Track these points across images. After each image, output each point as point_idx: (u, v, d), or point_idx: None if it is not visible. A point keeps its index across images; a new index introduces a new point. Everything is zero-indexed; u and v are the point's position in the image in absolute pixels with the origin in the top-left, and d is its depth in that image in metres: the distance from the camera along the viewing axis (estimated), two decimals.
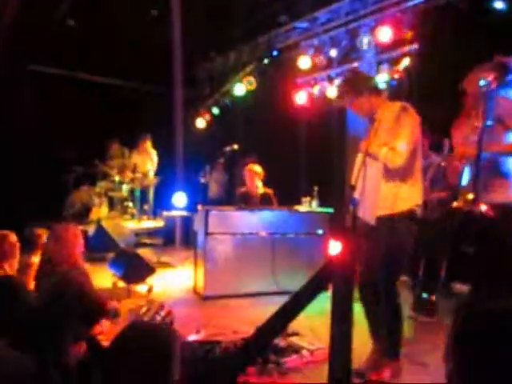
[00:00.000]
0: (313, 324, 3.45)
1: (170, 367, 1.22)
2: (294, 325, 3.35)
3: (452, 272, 4.41)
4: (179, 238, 7.28)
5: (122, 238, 6.20)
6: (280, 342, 3.13)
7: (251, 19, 7.56)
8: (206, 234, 4.71)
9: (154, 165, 8.74)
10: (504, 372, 1.04)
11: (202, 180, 6.59)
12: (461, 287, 4.56)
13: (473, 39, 4.50)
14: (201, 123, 8.82)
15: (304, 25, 6.96)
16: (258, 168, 5.60)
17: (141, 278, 4.70)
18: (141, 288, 4.72)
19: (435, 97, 4.74)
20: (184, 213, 7.15)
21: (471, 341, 1.10)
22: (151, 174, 8.66)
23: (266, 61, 7.41)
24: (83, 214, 7.95)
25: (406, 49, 5.69)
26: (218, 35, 7.92)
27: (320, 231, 5.13)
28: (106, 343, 2.63)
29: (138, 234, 7.44)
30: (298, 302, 1.23)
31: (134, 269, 4.68)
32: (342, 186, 3.44)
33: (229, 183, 8.35)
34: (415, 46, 5.56)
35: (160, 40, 7.57)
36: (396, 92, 3.33)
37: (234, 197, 5.68)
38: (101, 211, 7.99)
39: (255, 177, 5.53)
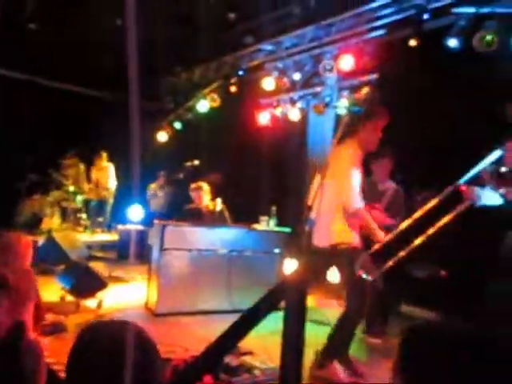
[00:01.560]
0: (266, 343, 3.43)
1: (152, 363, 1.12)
2: (247, 344, 3.34)
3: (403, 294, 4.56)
4: (133, 252, 7.11)
5: (73, 251, 6.00)
6: (232, 360, 3.10)
7: (218, 37, 7.65)
8: (162, 249, 4.63)
9: (113, 178, 8.64)
10: None
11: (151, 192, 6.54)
12: (410, 310, 4.70)
13: (426, 74, 4.75)
14: (162, 137, 8.76)
15: (269, 47, 7.11)
16: (205, 185, 5.65)
17: (91, 292, 4.54)
18: (90, 303, 4.56)
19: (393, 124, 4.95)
20: (139, 226, 7.01)
21: (414, 365, 1.13)
22: (111, 186, 8.51)
23: (231, 80, 7.48)
24: (34, 224, 7.65)
25: (367, 78, 5.93)
26: (185, 50, 7.95)
27: (277, 250, 5.17)
28: (51, 361, 2.52)
29: (90, 246, 7.22)
30: (249, 320, 1.23)
31: (84, 282, 4.52)
32: (299, 207, 3.49)
33: (174, 198, 8.25)
34: (375, 76, 5.81)
35: (124, 50, 7.49)
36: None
37: (180, 212, 5.63)
38: (52, 222, 7.72)
39: (203, 194, 5.56)
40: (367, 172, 3.94)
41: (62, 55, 7.79)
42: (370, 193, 3.81)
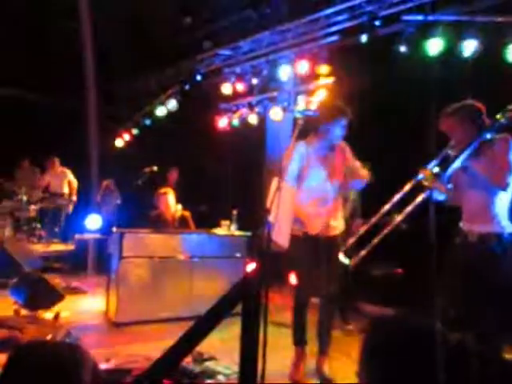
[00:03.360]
0: (230, 348, 3.42)
1: None
2: (211, 349, 3.32)
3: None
4: (91, 262, 6.92)
5: (27, 262, 5.76)
6: (195, 366, 3.07)
7: (175, 42, 7.60)
8: (121, 257, 4.54)
9: (72, 185, 8.42)
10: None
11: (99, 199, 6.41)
12: (370, 308, 4.82)
13: (378, 78, 4.92)
14: (119, 143, 8.60)
15: (227, 52, 7.13)
16: (169, 190, 5.58)
17: (47, 305, 4.38)
18: (47, 315, 4.40)
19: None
20: (97, 235, 6.84)
21: (380, 355, 1.16)
22: (65, 193, 8.27)
23: (188, 85, 7.45)
24: None
25: (322, 82, 6.06)
26: (142, 55, 7.84)
27: (238, 254, 5.17)
28: None
29: (46, 257, 6.97)
30: (207, 323, 1.23)
31: (39, 295, 4.36)
32: (259, 210, 3.52)
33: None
34: (330, 80, 5.94)
35: (77, 54, 7.30)
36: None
37: (142, 219, 5.54)
38: (4, 232, 7.40)
39: (169, 200, 5.48)
40: None
41: (14, 61, 7.52)
42: None
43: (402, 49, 4.89)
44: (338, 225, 3.37)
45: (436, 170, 2.68)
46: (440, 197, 2.81)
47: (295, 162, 3.20)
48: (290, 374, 3.25)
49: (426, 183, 2.69)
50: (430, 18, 4.71)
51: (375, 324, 1.32)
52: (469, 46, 4.54)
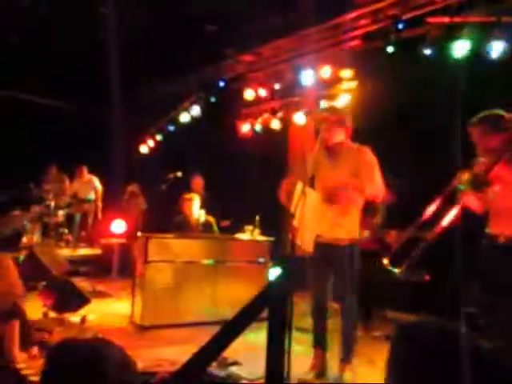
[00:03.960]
0: (254, 354, 3.42)
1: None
2: (235, 354, 3.32)
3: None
4: (117, 266, 7.03)
5: (55, 266, 5.89)
6: (219, 371, 3.08)
7: (198, 49, 7.68)
8: (146, 261, 4.60)
9: (98, 192, 8.58)
10: None
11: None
12: (394, 314, 4.74)
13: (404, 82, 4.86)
14: (144, 149, 8.73)
15: (249, 58, 7.17)
16: (194, 196, 5.62)
17: (74, 308, 4.47)
18: (74, 318, 4.49)
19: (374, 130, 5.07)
20: (122, 240, 6.94)
21: (408, 362, 1.15)
22: (91, 200, 8.43)
23: (211, 91, 7.51)
24: (14, 240, 7.50)
25: (345, 86, 6.03)
26: (164, 62, 7.95)
27: (262, 259, 5.16)
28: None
29: (73, 261, 7.10)
30: (232, 329, 1.23)
31: (67, 298, 4.45)
32: (283, 215, 3.52)
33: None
34: (354, 84, 5.90)
35: (101, 63, 7.45)
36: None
37: (169, 224, 5.61)
38: (33, 237, 7.59)
39: (193, 205, 5.53)
40: None
41: (39, 70, 7.72)
42: None
43: (427, 51, 4.82)
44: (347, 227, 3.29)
45: (475, 172, 2.64)
46: (474, 204, 2.76)
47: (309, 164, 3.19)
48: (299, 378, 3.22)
49: (462, 188, 2.64)
50: (456, 19, 4.64)
51: (403, 330, 1.30)
52: (496, 48, 4.45)
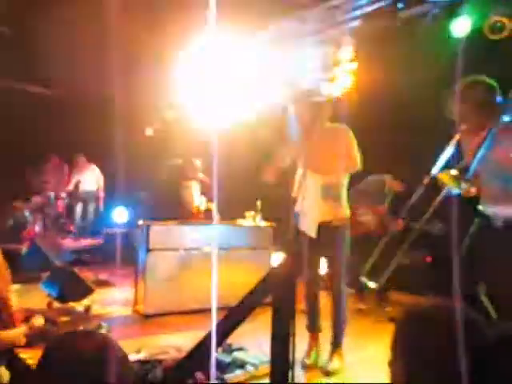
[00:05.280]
0: (258, 338, 3.42)
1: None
2: (240, 339, 3.33)
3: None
4: (119, 255, 7.03)
5: (57, 256, 5.90)
6: (224, 357, 3.09)
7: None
8: (148, 249, 4.59)
9: (100, 181, 8.56)
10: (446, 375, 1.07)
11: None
12: (398, 296, 4.75)
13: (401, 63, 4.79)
14: (149, 131, 8.64)
15: None
16: (194, 183, 5.59)
17: (78, 297, 4.48)
18: (78, 307, 4.50)
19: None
20: (124, 228, 6.94)
21: (415, 344, 1.13)
22: (94, 189, 8.43)
23: None
24: (16, 231, 7.51)
25: (346, 68, 5.94)
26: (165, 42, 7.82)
27: (264, 245, 5.15)
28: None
29: (75, 251, 7.12)
30: (237, 314, 1.21)
31: (71, 287, 4.45)
32: (284, 200, 3.49)
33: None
34: (353, 65, 5.82)
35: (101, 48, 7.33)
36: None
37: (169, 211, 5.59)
38: (35, 228, 7.59)
39: (193, 192, 5.51)
40: None
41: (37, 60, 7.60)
42: None
43: (427, 29, 4.74)
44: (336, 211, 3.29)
45: (454, 172, 2.57)
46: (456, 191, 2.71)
47: None
48: (302, 361, 3.30)
49: (461, 189, 2.59)
50: None
51: (409, 312, 1.28)
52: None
